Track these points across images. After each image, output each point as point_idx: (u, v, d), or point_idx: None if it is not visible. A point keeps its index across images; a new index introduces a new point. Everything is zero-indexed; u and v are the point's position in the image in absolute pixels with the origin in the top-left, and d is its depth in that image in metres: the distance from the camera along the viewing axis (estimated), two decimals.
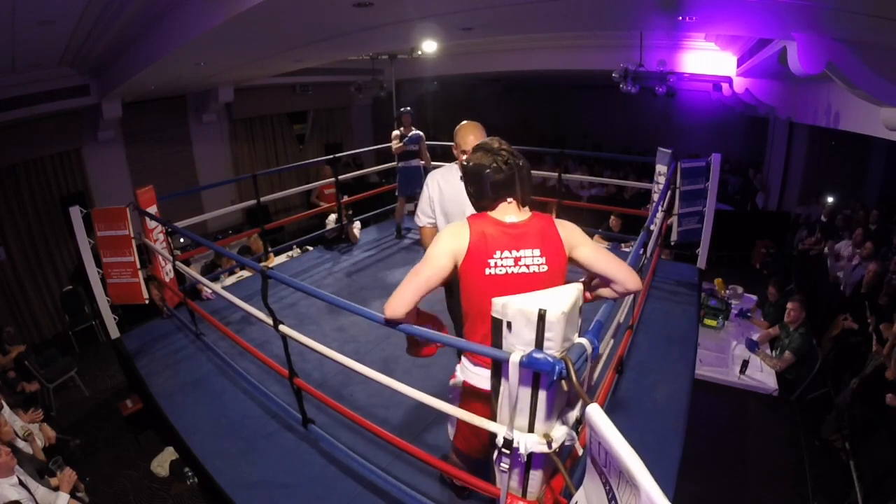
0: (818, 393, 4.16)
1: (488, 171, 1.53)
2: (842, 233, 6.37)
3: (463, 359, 1.68)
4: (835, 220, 6.75)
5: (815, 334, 4.44)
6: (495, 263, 1.48)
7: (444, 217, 2.37)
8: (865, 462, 3.28)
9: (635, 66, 5.88)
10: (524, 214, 1.56)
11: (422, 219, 2.45)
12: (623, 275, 1.52)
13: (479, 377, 1.59)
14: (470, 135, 2.21)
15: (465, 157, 2.11)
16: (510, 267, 1.49)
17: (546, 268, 1.50)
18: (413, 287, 1.49)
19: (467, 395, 1.67)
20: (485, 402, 1.53)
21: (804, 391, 4.13)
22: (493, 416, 1.47)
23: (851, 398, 3.72)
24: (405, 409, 2.68)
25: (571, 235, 1.55)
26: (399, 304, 1.50)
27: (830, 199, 7.28)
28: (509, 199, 1.55)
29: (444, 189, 2.37)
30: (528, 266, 1.49)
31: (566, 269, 1.54)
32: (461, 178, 2.12)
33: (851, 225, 6.35)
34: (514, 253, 1.48)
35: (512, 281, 1.48)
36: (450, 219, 2.32)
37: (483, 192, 1.55)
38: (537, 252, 1.50)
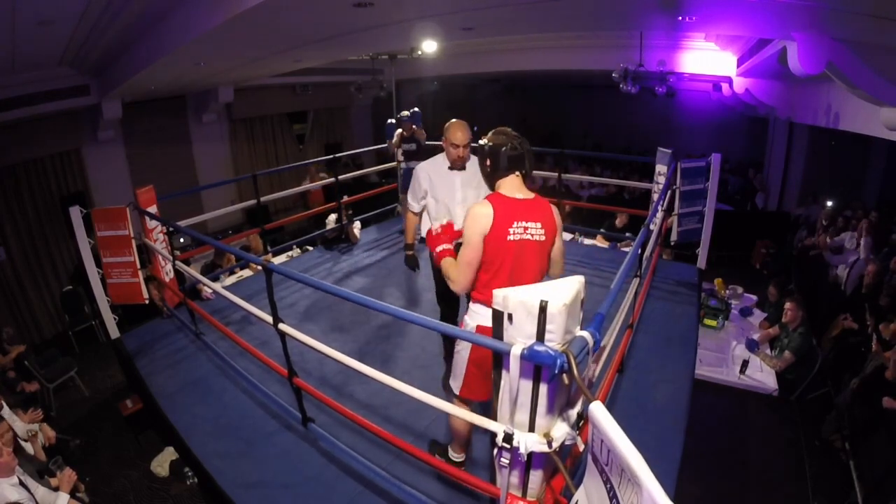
0: (818, 393, 4.16)
1: (505, 148, 1.91)
2: (843, 233, 6.36)
3: (472, 305, 1.97)
4: (835, 221, 6.74)
5: (815, 334, 4.44)
6: (513, 231, 1.85)
7: (434, 200, 2.74)
8: (865, 462, 3.28)
9: (635, 66, 5.89)
10: (529, 194, 1.94)
11: (413, 205, 2.84)
12: (558, 267, 2.06)
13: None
14: (458, 131, 2.58)
15: (453, 150, 2.60)
16: (521, 234, 1.86)
17: (544, 238, 1.90)
18: (466, 267, 1.89)
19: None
20: None
21: (804, 391, 4.13)
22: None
23: (851, 398, 3.72)
24: (405, 408, 2.67)
25: (560, 222, 2.00)
26: (463, 283, 1.91)
27: (829, 203, 7.24)
28: (517, 173, 1.93)
29: (433, 179, 2.72)
30: (532, 235, 1.87)
31: (554, 240, 1.97)
32: (450, 167, 2.67)
33: (852, 225, 6.34)
34: (524, 223, 1.86)
35: (522, 245, 1.87)
36: (439, 202, 2.71)
37: (499, 164, 1.93)
38: (539, 224, 1.89)
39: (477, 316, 1.93)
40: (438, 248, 2.02)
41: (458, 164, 2.66)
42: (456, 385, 2.01)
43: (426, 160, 2.81)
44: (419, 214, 2.86)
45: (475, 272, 1.89)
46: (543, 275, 2.00)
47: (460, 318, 2.04)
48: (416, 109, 5.01)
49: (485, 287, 1.87)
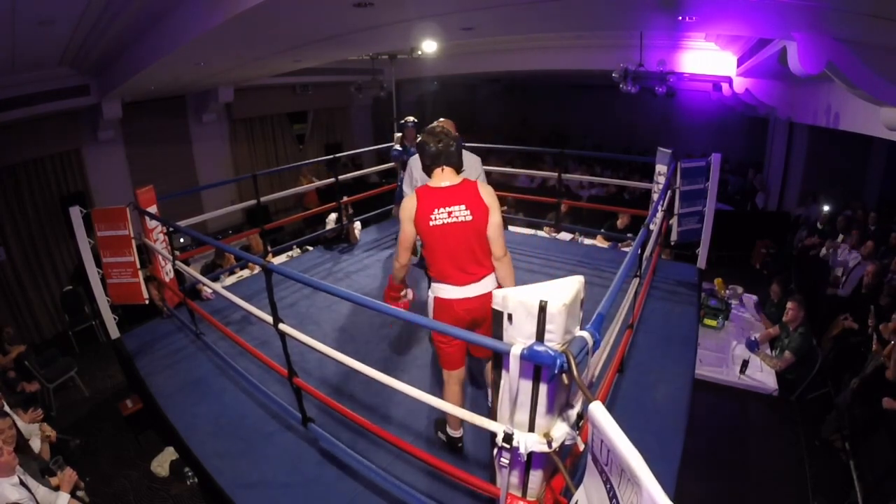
0: (818, 393, 4.16)
1: (428, 146, 2.15)
2: (843, 235, 6.36)
3: (433, 283, 2.23)
4: (834, 223, 6.74)
5: (815, 334, 4.43)
6: (434, 217, 2.08)
7: None
8: (865, 462, 3.28)
9: (635, 66, 5.88)
10: (457, 180, 2.16)
11: (408, 192, 3.18)
12: (497, 247, 2.16)
13: (444, 291, 2.18)
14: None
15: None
16: (445, 218, 2.08)
17: (471, 217, 2.08)
18: (399, 246, 2.23)
19: (439, 307, 2.22)
20: (450, 310, 2.18)
21: (804, 391, 4.13)
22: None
23: (851, 398, 3.72)
24: (405, 408, 2.68)
25: (492, 200, 2.15)
26: (402, 260, 2.25)
27: (826, 208, 7.22)
28: (445, 167, 2.15)
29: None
30: (457, 217, 2.08)
31: (488, 218, 2.11)
32: None
33: (852, 226, 6.34)
34: (448, 208, 2.08)
35: (448, 228, 2.08)
36: None
37: (426, 161, 2.18)
38: (463, 207, 2.08)
39: (434, 289, 2.23)
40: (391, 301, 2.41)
41: None
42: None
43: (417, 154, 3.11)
44: None
45: (410, 251, 2.22)
46: (484, 251, 2.16)
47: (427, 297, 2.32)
48: (413, 120, 4.78)
49: (431, 265, 2.20)
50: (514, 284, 2.14)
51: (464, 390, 2.38)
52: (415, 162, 3.22)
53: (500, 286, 2.18)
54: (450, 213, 2.07)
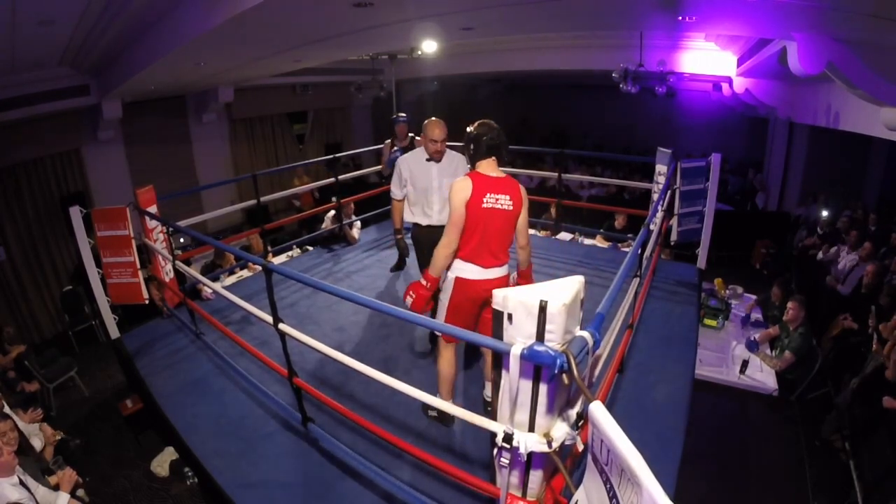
0: (818, 393, 4.16)
1: (486, 137, 2.29)
2: (844, 236, 6.35)
3: (454, 262, 2.32)
4: (835, 227, 6.73)
5: (815, 334, 4.43)
6: (486, 200, 2.25)
7: (413, 188, 3.22)
8: (865, 462, 3.28)
9: (635, 66, 5.88)
10: (501, 174, 2.35)
11: (395, 192, 3.32)
12: (523, 237, 2.45)
13: (467, 272, 2.31)
14: (436, 129, 3.05)
15: (432, 144, 3.06)
16: (493, 203, 2.25)
17: (512, 207, 2.30)
18: (452, 227, 2.28)
19: (459, 286, 2.32)
20: (470, 289, 2.31)
21: (804, 391, 4.13)
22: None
23: (851, 398, 3.72)
24: (405, 408, 2.67)
25: (526, 200, 2.38)
26: (452, 241, 2.28)
27: (825, 213, 7.18)
28: (493, 158, 2.32)
29: (413, 169, 3.20)
30: (502, 205, 2.27)
31: (521, 212, 2.36)
32: (428, 159, 3.14)
33: (853, 226, 6.34)
34: (496, 195, 2.26)
35: (493, 212, 2.26)
36: (417, 189, 3.20)
37: (480, 149, 2.31)
38: (508, 197, 2.29)
39: (456, 269, 2.33)
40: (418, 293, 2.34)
41: (436, 157, 3.13)
42: (440, 315, 2.38)
43: (408, 153, 3.33)
44: (402, 201, 3.33)
45: (460, 232, 2.27)
46: (510, 241, 2.38)
47: (443, 277, 2.37)
48: (403, 115, 4.74)
49: (463, 246, 2.30)
50: (531, 266, 2.57)
51: (457, 358, 2.53)
52: (405, 162, 3.23)
53: (520, 269, 2.55)
54: (497, 200, 2.25)
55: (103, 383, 5.30)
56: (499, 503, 1.58)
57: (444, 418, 2.55)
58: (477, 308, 2.39)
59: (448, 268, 2.36)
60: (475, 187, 2.24)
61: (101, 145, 6.72)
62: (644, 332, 3.36)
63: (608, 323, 2.42)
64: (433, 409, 2.50)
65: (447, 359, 2.41)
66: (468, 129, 2.36)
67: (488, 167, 2.31)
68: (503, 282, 2.35)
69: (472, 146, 2.34)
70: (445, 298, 2.36)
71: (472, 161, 2.36)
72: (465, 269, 2.31)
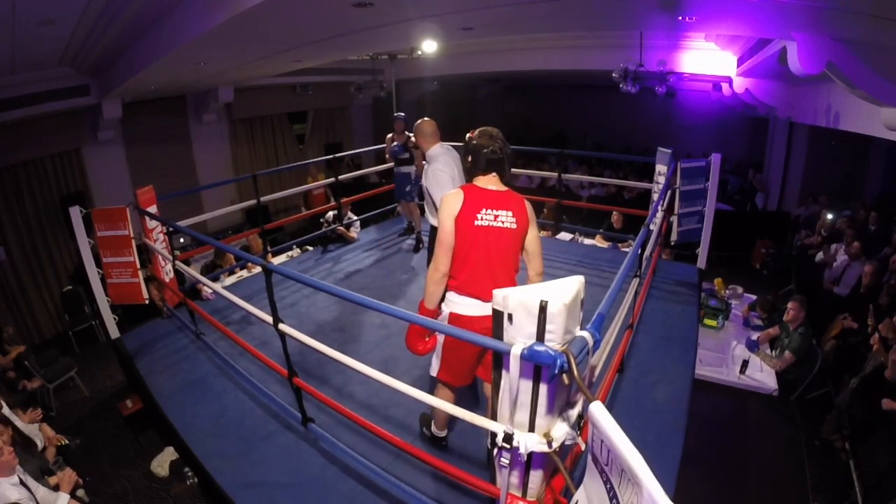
0: (818, 393, 4.16)
1: (486, 150, 2.00)
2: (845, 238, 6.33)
3: (448, 294, 2.03)
4: (835, 227, 6.72)
5: (815, 334, 4.43)
6: (481, 217, 1.94)
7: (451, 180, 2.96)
8: (865, 462, 3.28)
9: (635, 66, 5.87)
10: (503, 188, 2.04)
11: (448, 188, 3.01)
12: (536, 263, 2.07)
13: (464, 306, 2.00)
14: (428, 129, 3.09)
15: (424, 145, 3.06)
16: (491, 221, 1.95)
17: (515, 226, 1.97)
18: (440, 248, 1.98)
19: (455, 325, 1.97)
20: (468, 329, 1.81)
21: (804, 391, 4.13)
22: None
23: (851, 398, 3.72)
24: (405, 408, 2.67)
25: (532, 215, 2.05)
26: (442, 266, 1.97)
27: (830, 217, 7.13)
28: (494, 174, 2.03)
29: (453, 163, 3.00)
30: (503, 222, 1.96)
31: (527, 232, 2.02)
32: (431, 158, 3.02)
33: (851, 226, 6.33)
34: (495, 211, 1.96)
35: (490, 231, 1.95)
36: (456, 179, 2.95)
37: (478, 164, 2.02)
38: (510, 213, 1.97)
39: (451, 304, 2.04)
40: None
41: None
42: (434, 368, 2.15)
43: (440, 157, 3.04)
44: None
45: (450, 256, 1.97)
46: (516, 266, 2.04)
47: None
48: (402, 114, 4.95)
49: (456, 274, 1.98)
50: None
51: (456, 396, 2.23)
52: (447, 164, 2.97)
53: None
54: (496, 217, 1.94)
55: (103, 383, 5.30)
56: (499, 503, 1.58)
57: (436, 442, 2.40)
58: (478, 350, 2.00)
59: (442, 299, 2.06)
60: (467, 201, 1.94)
61: (101, 145, 6.72)
62: (644, 332, 3.36)
63: (608, 323, 2.42)
64: (428, 428, 2.42)
65: (444, 397, 2.10)
66: (468, 136, 2.07)
67: (486, 181, 2.02)
68: None
69: (469, 158, 2.04)
70: (441, 336, 2.06)
71: (469, 175, 2.08)
72: (462, 304, 1.99)
